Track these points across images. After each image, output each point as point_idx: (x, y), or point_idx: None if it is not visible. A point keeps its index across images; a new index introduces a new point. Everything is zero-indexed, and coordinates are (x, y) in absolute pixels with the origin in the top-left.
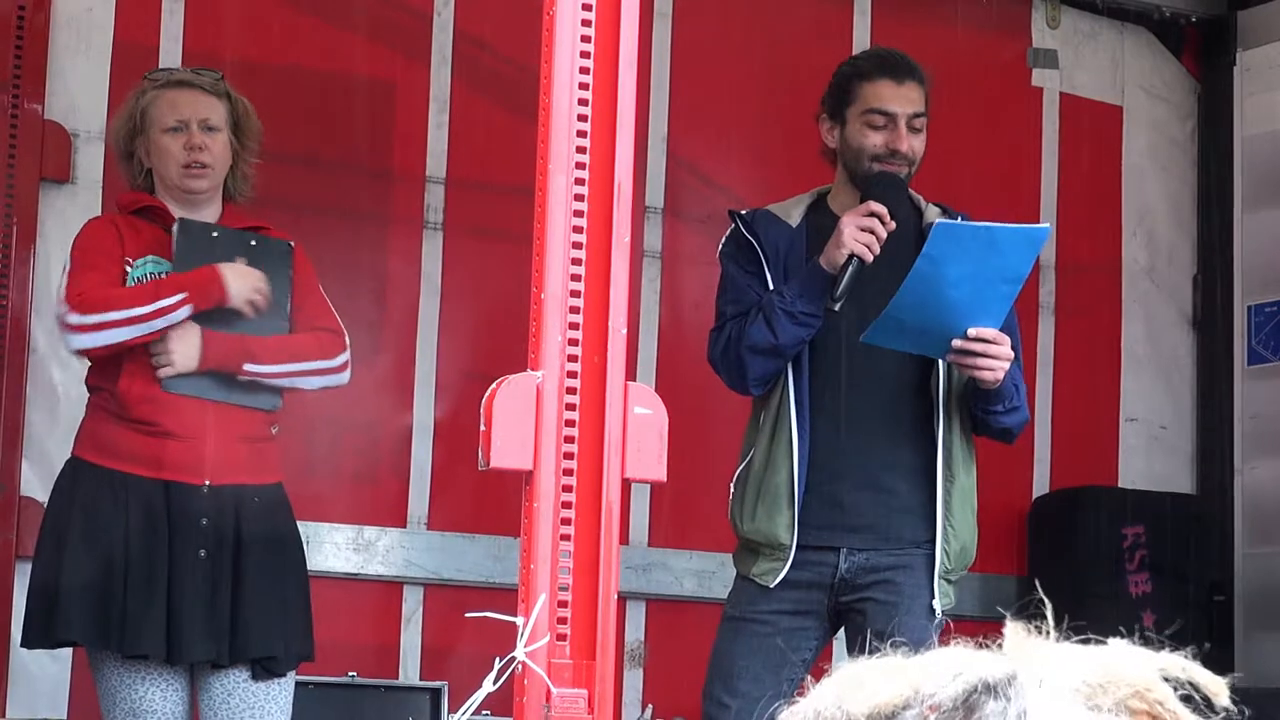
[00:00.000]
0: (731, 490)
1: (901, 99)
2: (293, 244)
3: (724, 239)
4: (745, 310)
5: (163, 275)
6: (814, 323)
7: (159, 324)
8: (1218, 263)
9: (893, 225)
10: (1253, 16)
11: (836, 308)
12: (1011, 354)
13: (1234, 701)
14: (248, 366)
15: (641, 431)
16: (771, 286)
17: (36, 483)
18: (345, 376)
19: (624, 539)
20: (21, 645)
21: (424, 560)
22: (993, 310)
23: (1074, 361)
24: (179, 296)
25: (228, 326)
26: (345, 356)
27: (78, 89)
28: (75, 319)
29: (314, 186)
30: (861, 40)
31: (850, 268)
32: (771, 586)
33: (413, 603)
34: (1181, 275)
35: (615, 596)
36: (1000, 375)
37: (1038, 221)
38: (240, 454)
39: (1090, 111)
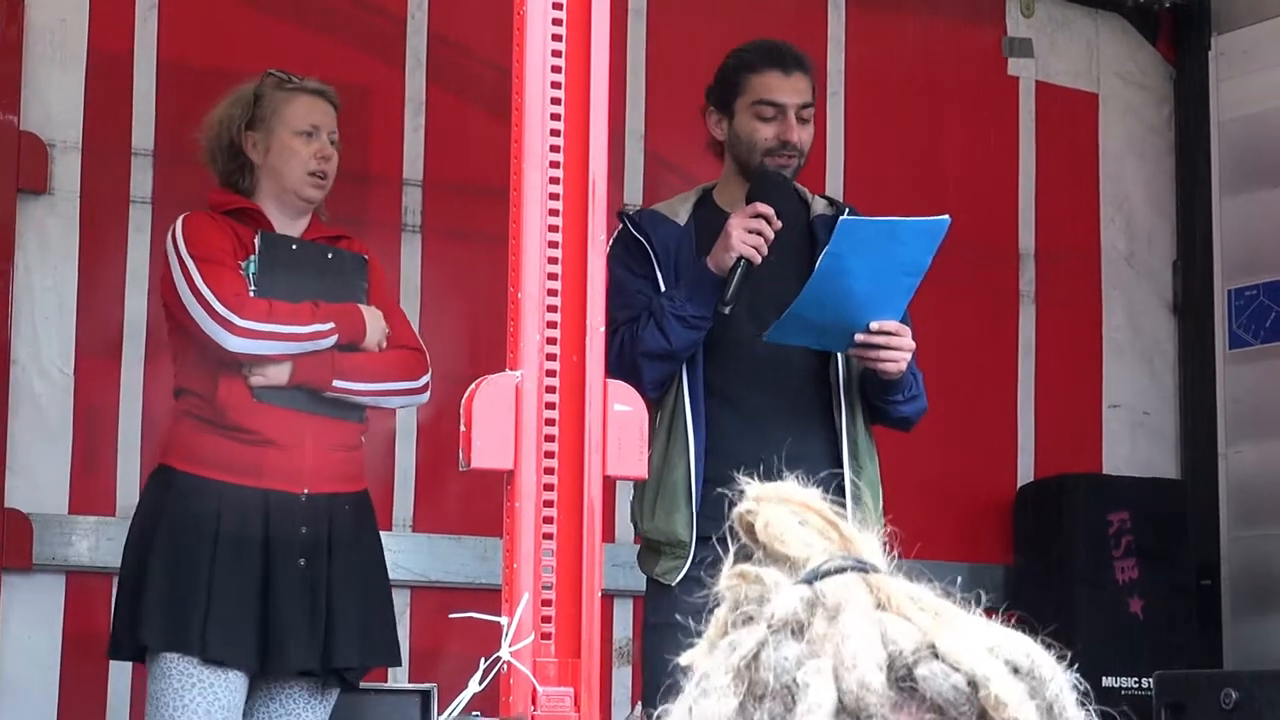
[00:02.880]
0: (632, 491)
1: (790, 90)
2: (367, 257)
3: (611, 241)
4: (637, 315)
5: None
6: (705, 325)
7: (308, 346)
8: (1197, 248)
9: (779, 225)
10: (1226, 0)
11: (727, 311)
12: (914, 344)
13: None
14: (336, 383)
15: (622, 429)
16: (663, 286)
17: (21, 495)
18: (426, 396)
19: (610, 537)
20: (109, 657)
21: (410, 563)
22: (894, 303)
23: (1055, 349)
24: (330, 325)
25: None
26: (427, 378)
27: (53, 99)
28: (241, 323)
29: None
30: (836, 33)
31: (738, 270)
32: (673, 585)
33: (400, 605)
34: (1161, 261)
35: (599, 594)
36: (903, 366)
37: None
38: (335, 462)
39: (1066, 99)
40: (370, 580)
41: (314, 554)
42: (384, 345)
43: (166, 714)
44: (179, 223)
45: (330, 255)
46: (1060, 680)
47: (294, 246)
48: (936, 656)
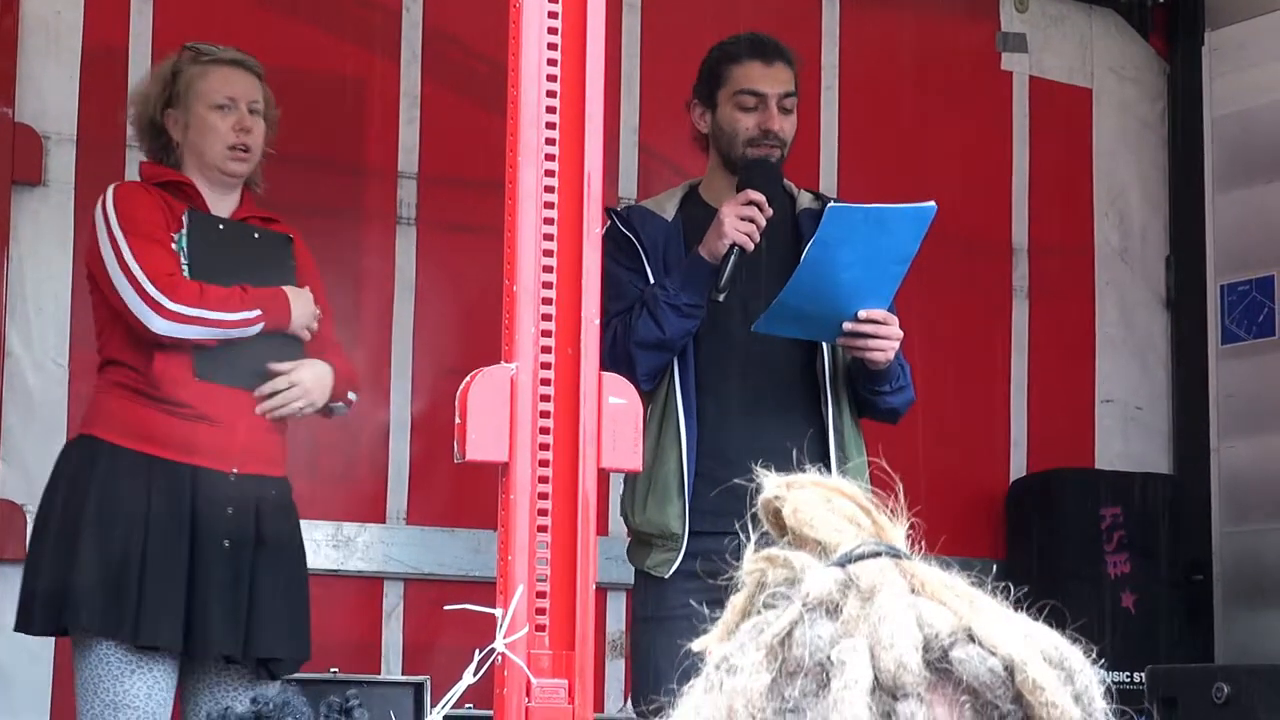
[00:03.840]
0: (622, 484)
1: (771, 79)
2: (292, 236)
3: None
4: (629, 306)
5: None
6: (698, 314)
7: (233, 334)
8: (1190, 243)
9: (770, 212)
10: None
11: (721, 298)
12: (901, 333)
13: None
14: (350, 395)
15: (616, 421)
16: (653, 281)
17: (13, 485)
18: (345, 409)
19: (603, 530)
20: (18, 629)
21: (404, 555)
22: (882, 291)
23: (1048, 344)
24: (256, 313)
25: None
26: (352, 397)
27: (48, 91)
28: (171, 306)
29: (286, 184)
30: (830, 27)
31: (732, 257)
32: (666, 578)
33: (393, 598)
34: (1154, 256)
35: (594, 586)
36: (891, 355)
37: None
38: (266, 444)
39: (1060, 94)
40: (292, 569)
41: (239, 536)
42: (313, 328)
43: (108, 699)
44: (109, 192)
45: (257, 235)
46: (1089, 673)
47: (221, 226)
48: (973, 640)
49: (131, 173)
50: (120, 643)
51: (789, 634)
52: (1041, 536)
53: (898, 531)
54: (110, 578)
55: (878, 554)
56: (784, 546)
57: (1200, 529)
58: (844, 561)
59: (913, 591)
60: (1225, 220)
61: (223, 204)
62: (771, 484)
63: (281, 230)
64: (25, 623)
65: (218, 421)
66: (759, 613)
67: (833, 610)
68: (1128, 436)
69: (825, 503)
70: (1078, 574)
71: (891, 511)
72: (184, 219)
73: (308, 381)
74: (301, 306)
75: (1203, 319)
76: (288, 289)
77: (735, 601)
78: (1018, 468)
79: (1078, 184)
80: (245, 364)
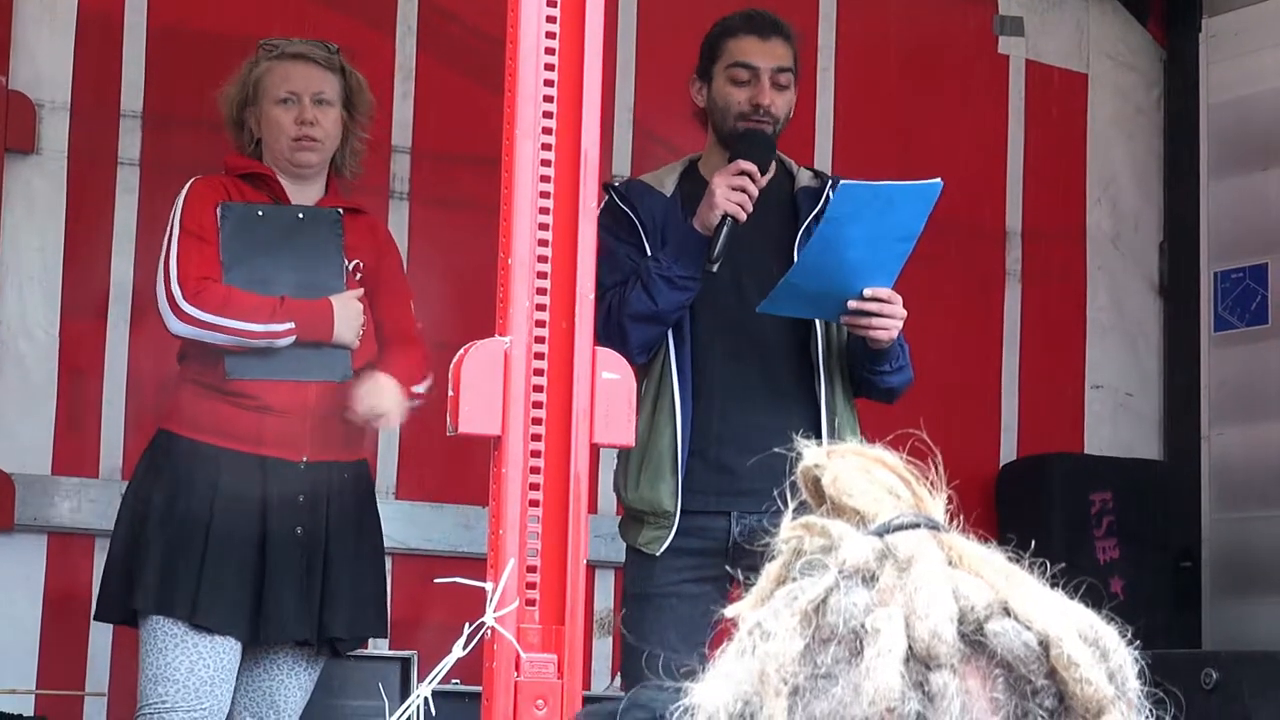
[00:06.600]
0: (615, 460)
1: (765, 54)
2: (341, 211)
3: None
4: (625, 280)
5: None
6: (692, 286)
7: (259, 344)
8: (1184, 230)
9: (763, 183)
10: None
11: (714, 269)
12: (905, 313)
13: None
14: (418, 389)
15: (610, 397)
16: (650, 255)
17: (3, 455)
18: (420, 402)
19: (593, 508)
20: (95, 619)
21: (392, 530)
22: (887, 269)
23: (1040, 329)
24: (287, 326)
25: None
26: (428, 383)
27: (42, 59)
28: (189, 309)
29: None
30: (827, 10)
31: (724, 228)
32: (657, 554)
33: None
34: (1148, 242)
35: (584, 562)
36: (894, 334)
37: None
38: (336, 430)
39: (1056, 79)
40: (366, 550)
41: (311, 522)
42: (359, 337)
43: (151, 674)
44: (188, 185)
45: (300, 215)
46: (1123, 653)
47: (260, 213)
48: (1008, 614)
49: (125, 143)
50: (173, 619)
51: (824, 600)
52: (1031, 521)
53: (937, 504)
54: (172, 561)
55: (916, 525)
56: (822, 515)
57: (1190, 516)
58: (882, 531)
59: (950, 564)
60: (1219, 207)
61: (304, 194)
62: (812, 453)
63: (367, 222)
64: (101, 611)
65: (284, 412)
66: (794, 580)
67: (869, 579)
68: (1118, 422)
69: (865, 473)
70: (1067, 559)
71: (931, 484)
72: (216, 212)
73: (382, 405)
74: (347, 319)
75: (1195, 306)
76: (335, 299)
77: (770, 569)
78: (1008, 452)
79: (1072, 169)
80: (278, 352)
